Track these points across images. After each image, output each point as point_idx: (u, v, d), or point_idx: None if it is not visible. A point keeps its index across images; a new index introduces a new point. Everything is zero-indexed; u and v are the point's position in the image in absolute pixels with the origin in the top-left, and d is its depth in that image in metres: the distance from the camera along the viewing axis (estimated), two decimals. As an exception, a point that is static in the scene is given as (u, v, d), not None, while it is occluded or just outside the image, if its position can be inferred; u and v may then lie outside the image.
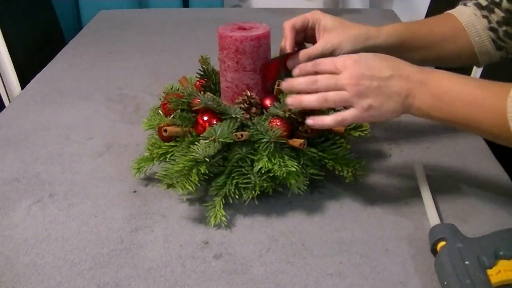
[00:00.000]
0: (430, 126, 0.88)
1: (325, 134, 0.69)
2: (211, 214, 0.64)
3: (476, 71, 1.22)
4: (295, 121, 0.65)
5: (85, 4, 1.83)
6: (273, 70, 0.71)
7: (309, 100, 0.61)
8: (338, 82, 0.60)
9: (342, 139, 0.71)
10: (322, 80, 0.61)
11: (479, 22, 0.73)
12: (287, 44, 0.70)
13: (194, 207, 0.69)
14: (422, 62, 0.72)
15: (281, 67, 0.71)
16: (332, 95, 0.60)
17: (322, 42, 0.69)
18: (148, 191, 0.72)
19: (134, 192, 0.72)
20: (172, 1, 1.88)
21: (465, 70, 1.12)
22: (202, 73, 0.76)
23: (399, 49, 0.71)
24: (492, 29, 0.73)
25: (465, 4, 0.76)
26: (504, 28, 0.72)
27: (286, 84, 0.63)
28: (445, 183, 0.73)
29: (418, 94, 0.59)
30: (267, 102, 0.70)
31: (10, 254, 0.61)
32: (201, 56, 0.76)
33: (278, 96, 0.70)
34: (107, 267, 0.59)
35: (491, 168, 0.76)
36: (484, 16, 0.73)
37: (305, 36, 0.73)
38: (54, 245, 0.62)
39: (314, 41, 0.72)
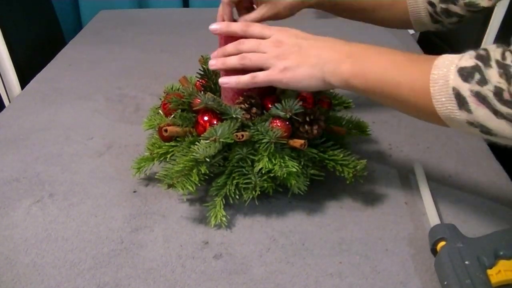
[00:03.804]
0: (430, 126, 0.88)
1: (326, 134, 0.69)
2: (212, 214, 0.64)
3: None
4: (296, 121, 0.65)
5: (85, 4, 1.83)
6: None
7: (231, 60, 0.63)
8: (261, 45, 0.61)
9: (343, 140, 0.71)
10: (247, 42, 0.63)
11: None
12: (226, 19, 0.71)
13: (194, 207, 0.69)
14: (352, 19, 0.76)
15: None
16: (251, 55, 0.61)
17: (260, 11, 0.70)
18: (148, 191, 0.72)
19: (134, 192, 0.72)
20: (172, 1, 1.87)
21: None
22: (202, 73, 0.76)
23: (333, 11, 0.75)
24: (430, 3, 0.72)
25: None
26: (442, 5, 0.71)
27: (217, 51, 0.66)
28: (445, 183, 0.73)
29: (341, 60, 0.58)
30: (268, 102, 0.70)
31: (10, 254, 0.61)
32: (201, 56, 0.76)
33: (279, 96, 0.70)
34: (107, 267, 0.59)
35: (491, 168, 0.76)
36: None
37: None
38: (54, 245, 0.62)
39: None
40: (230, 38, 0.67)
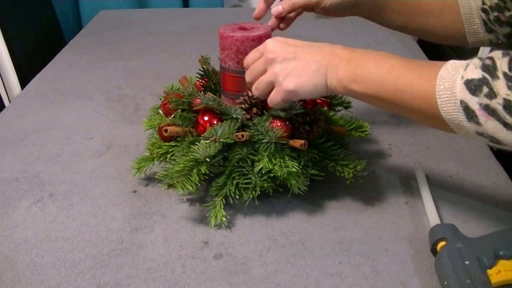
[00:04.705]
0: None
1: (326, 135, 0.69)
2: (212, 214, 0.64)
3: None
4: (296, 122, 0.65)
5: (85, 4, 1.83)
6: None
7: (254, 92, 0.63)
8: (259, 63, 0.60)
9: (343, 140, 0.71)
10: (248, 73, 0.62)
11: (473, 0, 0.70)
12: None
13: (194, 207, 0.69)
14: (403, 30, 0.73)
15: None
16: (257, 84, 0.61)
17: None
18: (148, 191, 0.72)
19: (134, 192, 0.72)
20: (172, 1, 1.88)
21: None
22: (202, 73, 0.76)
23: (381, 6, 0.72)
24: (484, 10, 0.69)
25: None
26: (495, 13, 0.68)
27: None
28: (445, 183, 0.73)
29: (340, 65, 0.56)
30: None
31: (10, 254, 0.61)
32: (201, 56, 0.76)
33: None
34: (107, 267, 0.59)
35: (491, 168, 0.76)
36: None
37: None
38: (54, 245, 0.62)
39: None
40: (229, 38, 0.67)
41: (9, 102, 1.24)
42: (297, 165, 0.63)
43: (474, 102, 0.47)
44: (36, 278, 0.57)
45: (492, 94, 0.46)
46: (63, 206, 0.69)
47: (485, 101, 0.46)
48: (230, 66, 0.69)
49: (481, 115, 0.47)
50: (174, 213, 0.67)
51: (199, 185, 0.63)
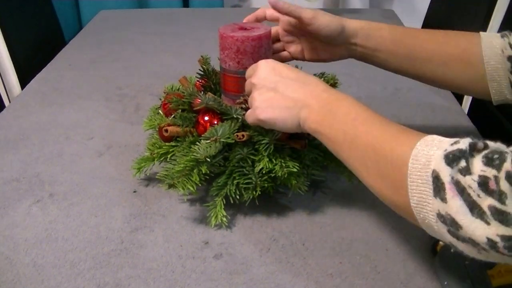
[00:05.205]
0: (430, 126, 0.88)
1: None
2: (212, 214, 0.64)
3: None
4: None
5: (85, 4, 1.83)
6: None
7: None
8: (248, 82, 0.62)
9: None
10: (246, 83, 0.63)
11: (502, 62, 0.63)
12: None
13: (194, 207, 0.69)
14: (405, 74, 0.69)
15: None
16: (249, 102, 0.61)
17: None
18: (148, 191, 0.72)
19: (134, 192, 0.72)
20: (172, 1, 1.88)
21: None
22: (202, 73, 0.76)
23: (375, 42, 0.68)
24: (509, 57, 0.62)
25: (502, 36, 0.64)
26: None
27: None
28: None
29: (315, 107, 0.54)
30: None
31: (10, 254, 0.61)
32: (201, 56, 0.76)
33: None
34: (107, 267, 0.59)
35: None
36: (509, 58, 0.62)
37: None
38: (54, 245, 0.62)
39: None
40: (229, 38, 0.67)
41: (9, 102, 1.24)
42: (298, 165, 0.63)
43: (446, 174, 0.40)
44: (36, 278, 0.57)
45: (467, 170, 0.40)
46: (63, 206, 0.69)
47: (458, 176, 0.40)
48: (230, 66, 0.69)
49: (449, 189, 0.40)
50: (174, 213, 0.67)
51: (200, 185, 0.63)
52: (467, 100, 1.21)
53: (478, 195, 0.38)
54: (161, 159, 0.69)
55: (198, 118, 0.67)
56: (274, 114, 0.57)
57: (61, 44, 1.31)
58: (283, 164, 0.63)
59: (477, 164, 0.40)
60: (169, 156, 0.68)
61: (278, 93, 0.57)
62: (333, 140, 0.53)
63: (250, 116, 0.60)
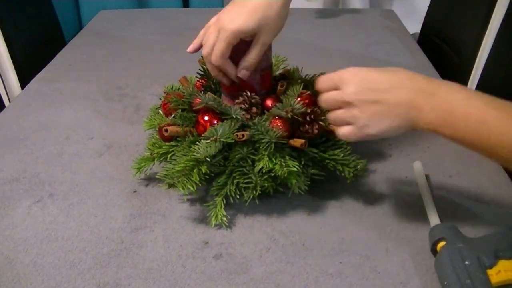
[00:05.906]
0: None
1: (326, 134, 0.69)
2: (212, 214, 0.64)
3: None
4: (296, 121, 0.65)
5: (85, 4, 1.83)
6: (267, 78, 0.71)
7: (330, 120, 0.60)
8: (335, 99, 0.58)
9: (342, 140, 0.71)
10: (328, 98, 0.59)
11: None
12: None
13: (194, 207, 0.69)
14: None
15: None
16: (337, 114, 0.58)
17: None
18: (148, 191, 0.72)
19: (134, 192, 0.72)
20: (172, 1, 1.88)
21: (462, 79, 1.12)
22: (202, 73, 0.76)
23: None
24: None
25: None
26: None
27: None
28: (445, 183, 0.73)
29: (425, 106, 0.53)
30: (268, 102, 0.70)
31: (10, 254, 0.61)
32: (201, 56, 0.76)
33: (280, 96, 0.70)
34: (107, 267, 0.59)
35: (491, 168, 0.76)
36: None
37: None
38: (54, 245, 0.62)
39: None
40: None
41: (9, 102, 1.24)
42: (298, 164, 0.63)
43: None
44: (36, 278, 0.57)
45: None
46: (63, 206, 0.69)
47: None
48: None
49: None
50: (174, 213, 0.67)
51: (200, 184, 0.63)
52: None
53: None
54: (161, 159, 0.69)
55: (198, 118, 0.67)
56: (386, 125, 0.55)
57: (61, 44, 1.31)
58: (283, 164, 0.63)
59: None
60: (169, 156, 0.68)
61: (383, 104, 0.54)
62: (460, 139, 0.53)
63: (356, 134, 0.56)
